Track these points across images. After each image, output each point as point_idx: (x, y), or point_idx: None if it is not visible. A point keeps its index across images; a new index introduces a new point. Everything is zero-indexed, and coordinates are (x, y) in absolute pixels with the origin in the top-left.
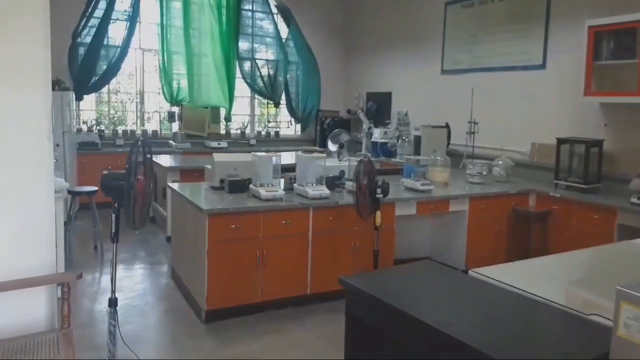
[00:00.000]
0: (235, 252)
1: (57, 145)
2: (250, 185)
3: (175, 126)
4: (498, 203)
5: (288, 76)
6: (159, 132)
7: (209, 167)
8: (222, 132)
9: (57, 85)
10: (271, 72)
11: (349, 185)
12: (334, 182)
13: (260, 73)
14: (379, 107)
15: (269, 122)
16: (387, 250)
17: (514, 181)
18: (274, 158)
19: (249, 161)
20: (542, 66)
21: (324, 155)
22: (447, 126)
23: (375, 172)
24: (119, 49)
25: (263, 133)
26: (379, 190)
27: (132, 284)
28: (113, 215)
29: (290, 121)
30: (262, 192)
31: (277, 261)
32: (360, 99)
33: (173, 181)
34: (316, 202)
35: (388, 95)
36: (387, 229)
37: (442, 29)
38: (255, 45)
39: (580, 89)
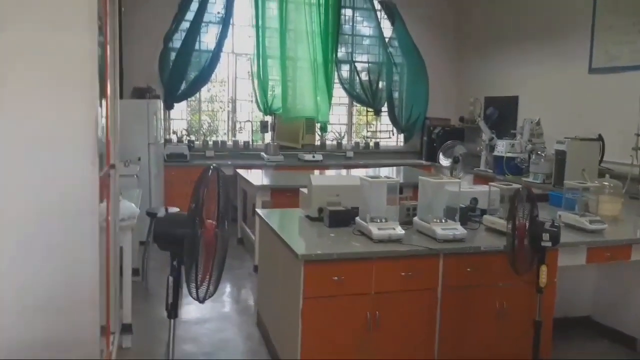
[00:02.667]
0: (338, 313)
1: (139, 159)
2: (357, 219)
3: (268, 137)
4: None
5: (392, 80)
6: (250, 143)
7: (305, 191)
8: (317, 143)
9: (147, 93)
10: (372, 76)
11: (489, 220)
12: (466, 214)
13: (359, 78)
14: (501, 114)
15: (368, 132)
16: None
17: None
18: (387, 184)
19: (354, 185)
20: None
21: (458, 179)
22: (600, 139)
23: (537, 206)
24: (210, 54)
25: (361, 144)
26: (546, 236)
27: (210, 331)
28: (170, 280)
29: (392, 131)
30: (374, 230)
31: (395, 325)
32: (477, 105)
33: (263, 202)
34: (448, 247)
35: (513, 101)
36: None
37: (590, 16)
38: (355, 47)
39: None
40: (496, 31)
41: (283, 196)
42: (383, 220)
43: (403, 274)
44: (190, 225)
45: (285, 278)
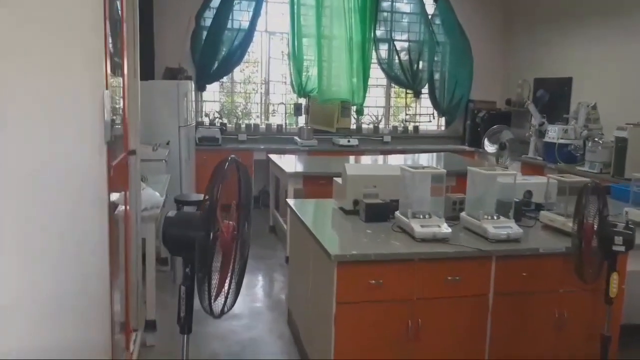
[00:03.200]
0: (375, 320)
1: (168, 143)
2: (397, 213)
3: (302, 120)
4: None
5: (434, 60)
6: (283, 126)
7: (339, 181)
8: (353, 127)
9: (179, 74)
10: (412, 55)
11: (548, 216)
12: (520, 209)
13: (399, 57)
14: (552, 97)
15: (407, 115)
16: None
17: None
18: (432, 174)
19: (394, 176)
20: None
21: (514, 171)
22: None
23: (607, 205)
24: (243, 32)
25: (400, 128)
26: (618, 239)
27: (240, 328)
28: (182, 289)
29: (433, 114)
30: (417, 227)
31: (438, 335)
32: (526, 87)
33: (295, 191)
34: (501, 248)
35: (566, 82)
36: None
37: None
38: (395, 25)
39: None
40: (548, 7)
41: (316, 184)
42: (426, 217)
43: (450, 278)
44: (204, 226)
45: (317, 278)
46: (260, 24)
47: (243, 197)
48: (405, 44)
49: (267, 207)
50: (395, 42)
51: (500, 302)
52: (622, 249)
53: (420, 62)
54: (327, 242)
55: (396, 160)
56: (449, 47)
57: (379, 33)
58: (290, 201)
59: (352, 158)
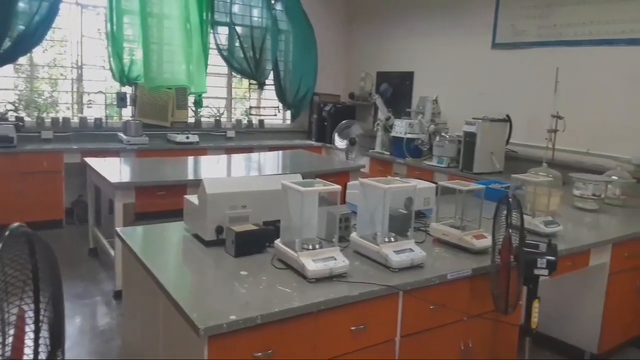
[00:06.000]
0: None
1: None
2: (278, 243)
3: (127, 113)
4: None
5: (277, 49)
6: (103, 121)
7: (193, 200)
8: (191, 120)
9: None
10: (256, 43)
11: (439, 229)
12: (405, 223)
13: (241, 43)
14: (395, 91)
15: (251, 108)
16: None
17: (632, 206)
18: (316, 185)
19: (269, 191)
20: None
21: (409, 182)
22: (508, 119)
23: (523, 221)
24: (47, 3)
25: (244, 122)
26: (541, 262)
27: None
28: None
29: (278, 107)
30: (309, 264)
31: None
32: (369, 81)
33: (125, 207)
34: (409, 280)
35: (408, 76)
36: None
37: None
38: (235, 7)
39: None
40: (388, 1)
41: (153, 196)
42: (317, 246)
43: (354, 328)
44: None
45: (174, 352)
46: None
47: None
48: (248, 30)
49: (84, 222)
50: (236, 27)
51: (407, 346)
52: (546, 273)
53: (264, 51)
54: (188, 304)
55: (245, 160)
56: (292, 36)
57: (217, 15)
58: (121, 230)
59: (191, 159)
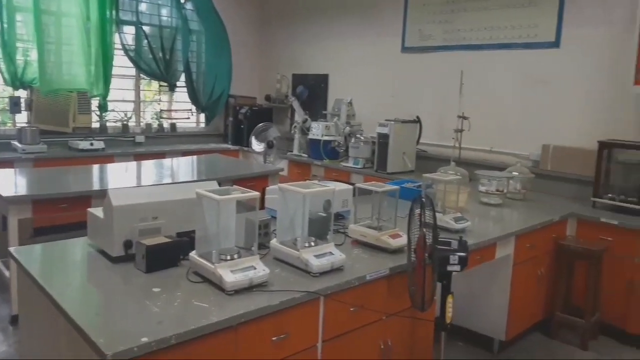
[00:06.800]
0: None
1: None
2: (193, 255)
3: (23, 119)
4: (542, 237)
5: (189, 50)
6: None
7: (97, 213)
8: (95, 125)
9: None
10: (165, 43)
11: (358, 231)
12: (325, 226)
13: (149, 44)
14: (311, 93)
15: (161, 112)
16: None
17: (530, 199)
18: (233, 193)
19: (181, 200)
20: (555, 44)
21: (328, 184)
22: (418, 120)
23: (436, 220)
24: None
25: (154, 127)
26: (453, 259)
27: None
28: None
29: (191, 110)
30: (227, 276)
31: None
32: (285, 83)
33: (20, 224)
34: (329, 284)
35: (323, 79)
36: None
37: None
38: (142, 5)
39: (612, 74)
40: (303, 3)
41: (54, 209)
42: (235, 256)
43: (275, 338)
44: None
45: None
46: None
47: None
48: (157, 29)
49: None
50: (143, 27)
51: (329, 350)
52: (458, 268)
53: (175, 52)
54: (93, 328)
55: (156, 167)
56: (205, 36)
57: (122, 14)
58: (16, 250)
59: (96, 167)
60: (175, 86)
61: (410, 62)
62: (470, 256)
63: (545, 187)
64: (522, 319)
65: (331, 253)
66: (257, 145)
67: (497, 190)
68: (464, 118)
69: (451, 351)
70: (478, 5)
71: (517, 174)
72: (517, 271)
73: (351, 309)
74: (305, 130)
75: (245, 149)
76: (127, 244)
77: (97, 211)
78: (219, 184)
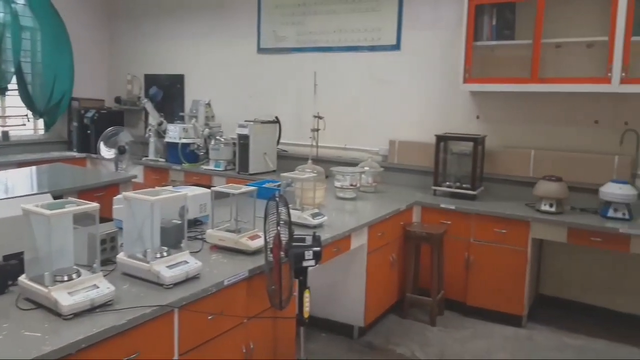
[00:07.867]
0: None
1: None
2: (23, 279)
3: None
4: (391, 225)
5: (21, 49)
6: None
7: None
8: None
9: None
10: None
11: (216, 236)
12: (179, 233)
13: None
14: (165, 95)
15: None
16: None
17: (381, 191)
18: (67, 206)
19: (9, 218)
20: (396, 47)
21: (180, 190)
22: (277, 121)
23: (290, 215)
24: None
25: None
26: (308, 254)
27: None
28: None
29: (27, 116)
30: (63, 299)
31: None
32: (136, 84)
33: None
34: (184, 295)
35: (178, 79)
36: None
37: None
38: None
39: (445, 73)
40: (153, 0)
41: None
42: (74, 276)
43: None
44: None
45: None
46: None
47: None
48: None
49: None
50: None
51: None
52: (313, 263)
53: (4, 51)
54: None
55: None
56: (40, 34)
57: None
58: None
59: None
60: (6, 89)
61: (266, 63)
62: (326, 249)
63: (393, 179)
64: (378, 304)
65: (186, 262)
66: (106, 152)
67: (351, 185)
68: (320, 117)
69: (314, 342)
70: (327, 8)
71: (368, 168)
72: (372, 259)
73: (209, 317)
74: (161, 134)
75: (94, 156)
76: None
77: None
78: (61, 197)
